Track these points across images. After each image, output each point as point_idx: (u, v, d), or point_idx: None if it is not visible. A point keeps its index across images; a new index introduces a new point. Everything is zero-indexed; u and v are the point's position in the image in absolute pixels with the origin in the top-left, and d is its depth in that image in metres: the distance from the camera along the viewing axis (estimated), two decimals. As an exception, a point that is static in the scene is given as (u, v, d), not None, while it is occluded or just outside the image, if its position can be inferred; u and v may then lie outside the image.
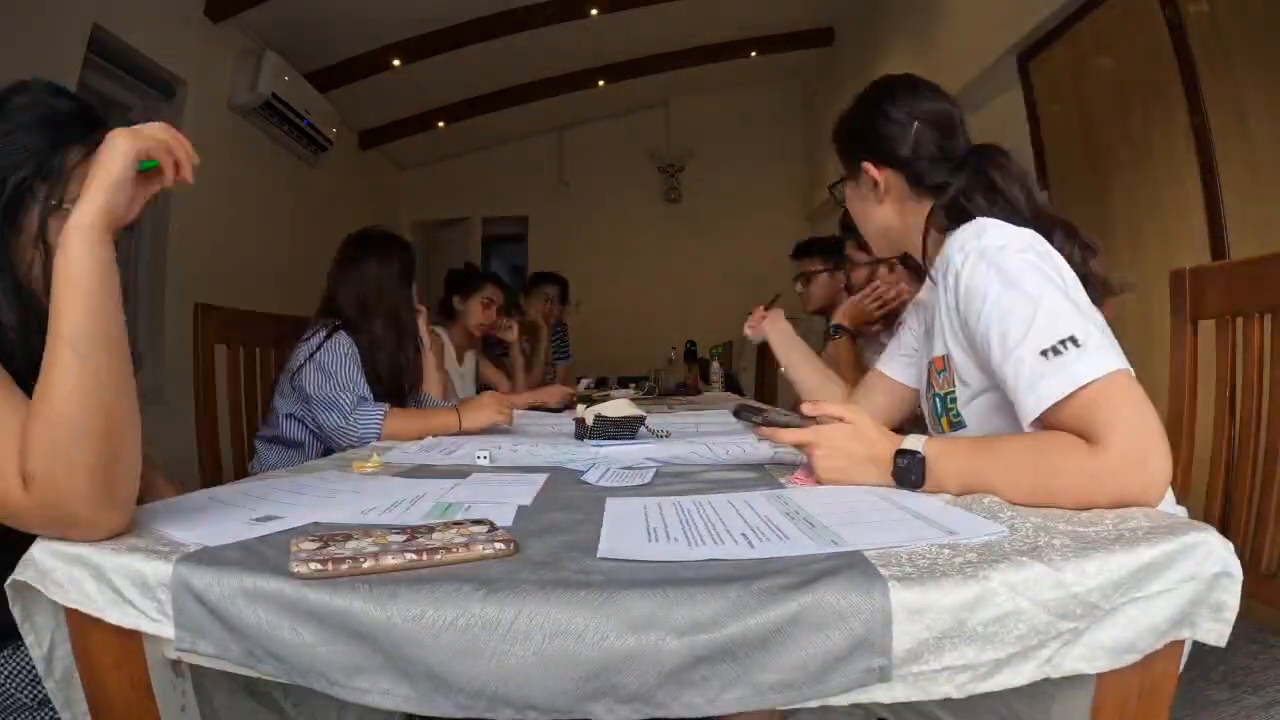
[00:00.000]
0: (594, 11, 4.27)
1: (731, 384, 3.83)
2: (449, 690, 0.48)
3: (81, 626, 0.59)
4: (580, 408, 1.40)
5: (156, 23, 3.05)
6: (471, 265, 2.92)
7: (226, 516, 0.72)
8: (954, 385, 0.91)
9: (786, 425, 0.86)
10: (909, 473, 0.76)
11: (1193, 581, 0.52)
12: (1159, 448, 0.66)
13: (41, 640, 0.62)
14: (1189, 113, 2.14)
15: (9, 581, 0.60)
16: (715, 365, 3.37)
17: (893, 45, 4.00)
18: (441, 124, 5.35)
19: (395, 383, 1.65)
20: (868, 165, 0.99)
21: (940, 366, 0.93)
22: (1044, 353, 0.73)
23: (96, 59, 2.80)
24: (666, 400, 2.73)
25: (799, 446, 0.84)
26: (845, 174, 1.05)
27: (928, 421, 1.02)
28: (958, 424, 0.92)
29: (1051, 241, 0.84)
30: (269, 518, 0.70)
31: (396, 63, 4.36)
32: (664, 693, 0.47)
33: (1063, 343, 0.72)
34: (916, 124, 0.96)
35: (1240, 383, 1.03)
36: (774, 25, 4.95)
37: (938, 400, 0.94)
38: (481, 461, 1.09)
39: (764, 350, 4.32)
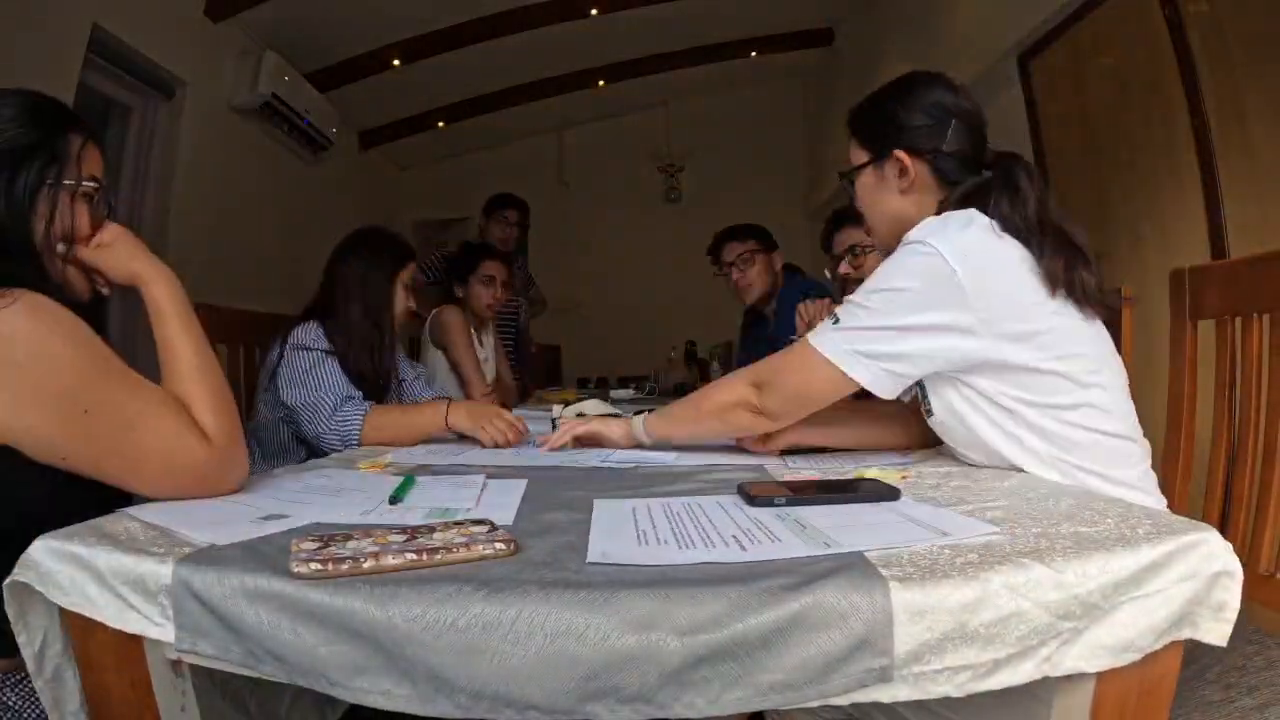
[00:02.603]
0: (594, 11, 4.27)
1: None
2: (450, 691, 0.48)
3: (82, 627, 0.59)
4: (557, 409, 1.39)
5: (156, 23, 3.05)
6: (465, 244, 2.78)
7: (233, 515, 0.72)
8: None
9: None
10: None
11: (1193, 580, 0.52)
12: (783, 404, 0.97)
13: (34, 639, 0.62)
14: (1189, 113, 2.14)
15: (7, 582, 0.60)
16: (715, 365, 3.37)
17: (893, 45, 4.00)
18: (441, 124, 5.34)
19: (374, 381, 1.59)
20: (900, 154, 0.98)
21: None
22: (835, 317, 0.90)
23: (96, 59, 2.80)
24: (665, 400, 2.71)
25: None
26: (868, 159, 1.03)
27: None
28: (930, 411, 0.97)
29: (1030, 250, 0.87)
30: (274, 516, 0.70)
31: (396, 63, 4.36)
32: (665, 693, 0.47)
33: (837, 317, 0.90)
34: (955, 120, 0.97)
35: (1239, 382, 1.03)
36: (774, 25, 4.95)
37: (919, 389, 0.98)
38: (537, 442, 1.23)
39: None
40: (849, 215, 2.31)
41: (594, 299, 5.47)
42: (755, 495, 0.76)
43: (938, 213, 0.95)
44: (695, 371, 3.93)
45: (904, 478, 0.88)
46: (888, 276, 0.89)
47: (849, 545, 0.58)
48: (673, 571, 0.53)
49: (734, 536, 0.62)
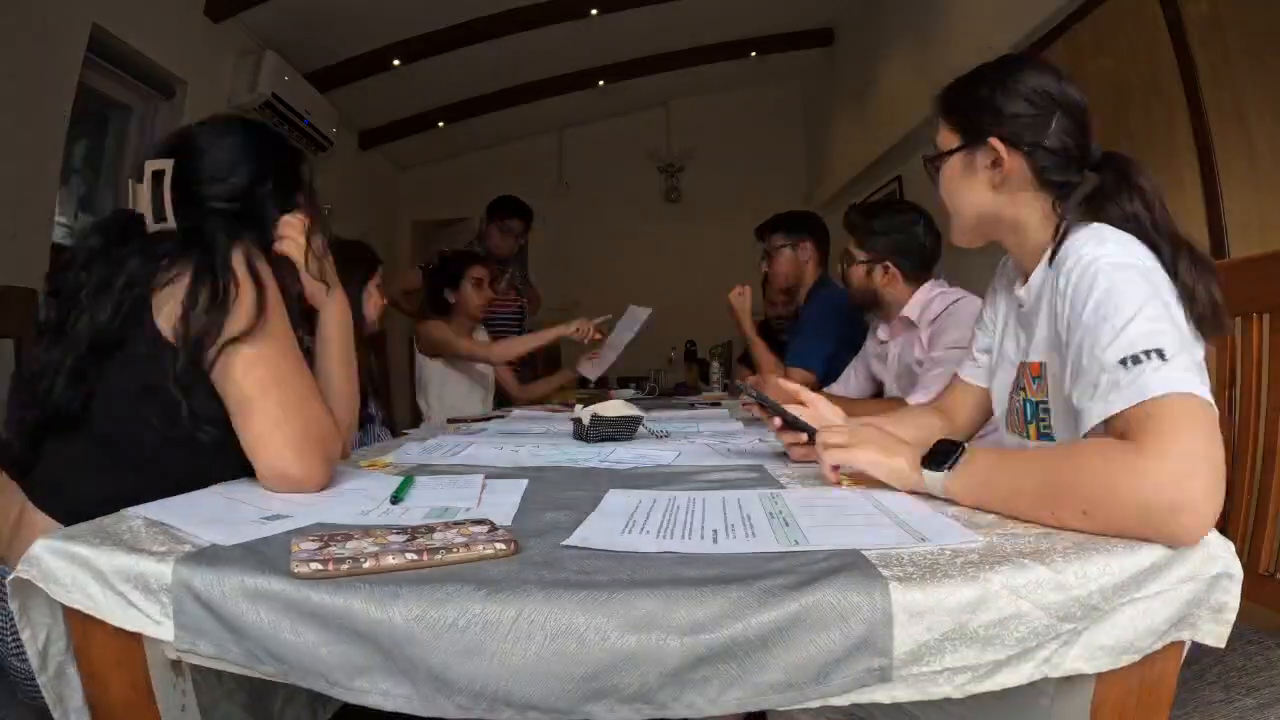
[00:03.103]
0: (594, 11, 4.27)
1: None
2: (450, 691, 0.48)
3: (82, 627, 0.59)
4: (578, 407, 1.40)
5: (156, 23, 3.05)
6: (442, 254, 2.87)
7: (236, 515, 0.72)
8: (1048, 395, 0.86)
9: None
10: (945, 456, 0.73)
11: (1192, 582, 0.52)
12: (1209, 478, 0.57)
13: (37, 635, 0.62)
14: (1189, 113, 2.14)
15: (10, 578, 0.60)
16: (715, 365, 3.37)
17: (893, 45, 4.00)
18: (441, 124, 5.34)
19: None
20: (997, 143, 0.88)
21: (1036, 373, 0.89)
22: (1123, 361, 0.67)
23: (96, 59, 2.80)
24: (665, 401, 2.70)
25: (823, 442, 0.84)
26: (959, 144, 0.93)
27: (1004, 424, 0.97)
28: (1046, 435, 0.87)
29: (1177, 265, 0.77)
30: (277, 516, 0.71)
31: (396, 63, 4.36)
32: (665, 693, 0.47)
33: (1146, 353, 0.66)
34: (1059, 112, 0.87)
35: (1239, 382, 1.03)
36: (774, 25, 4.95)
37: (1029, 406, 0.90)
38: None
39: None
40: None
41: (594, 299, 5.45)
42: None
43: (1063, 209, 0.87)
44: (695, 371, 3.93)
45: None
46: (1131, 297, 0.72)
47: (821, 543, 0.58)
48: (680, 568, 0.54)
49: (714, 530, 0.63)
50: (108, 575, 0.57)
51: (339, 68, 4.29)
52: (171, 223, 0.89)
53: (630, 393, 3.15)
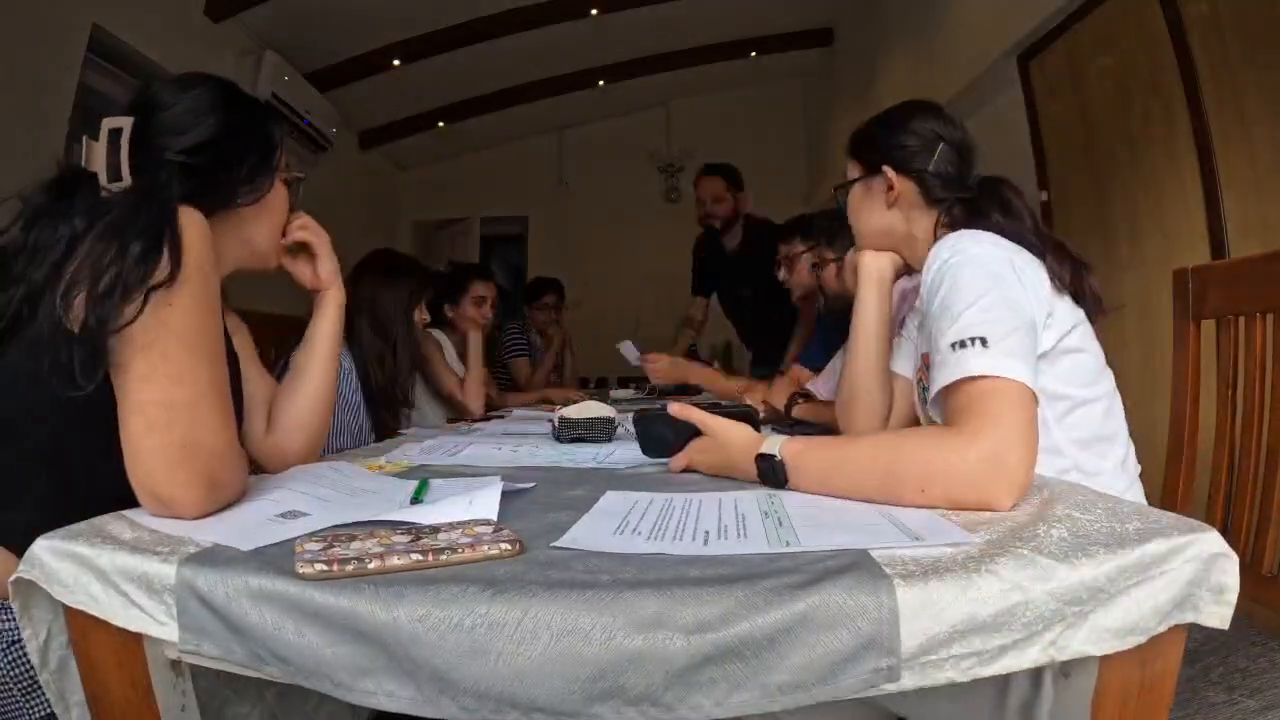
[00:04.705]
0: (594, 11, 4.27)
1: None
2: (455, 692, 0.48)
3: (83, 626, 0.59)
4: (557, 409, 1.39)
5: (156, 22, 3.05)
6: (453, 265, 2.90)
7: (249, 514, 0.71)
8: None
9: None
10: (771, 474, 0.79)
11: (1193, 563, 0.52)
12: (1021, 451, 0.68)
13: (38, 632, 0.62)
14: (1189, 113, 2.14)
15: (12, 579, 0.60)
16: (715, 365, 3.36)
17: (892, 45, 4.00)
18: (441, 124, 5.35)
19: (389, 394, 1.80)
20: (888, 170, 1.06)
21: (927, 362, 0.95)
22: (953, 345, 0.78)
23: (96, 59, 2.80)
24: (665, 401, 2.68)
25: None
26: (860, 175, 1.12)
27: (919, 414, 1.06)
28: (932, 419, 0.95)
29: (1044, 261, 0.91)
30: (293, 514, 0.70)
31: (396, 63, 4.36)
32: (671, 694, 0.47)
33: (972, 339, 0.77)
34: (942, 144, 1.04)
35: (1242, 382, 1.03)
36: (774, 25, 4.95)
37: (924, 392, 0.98)
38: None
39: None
40: (789, 227, 2.32)
41: (594, 299, 5.47)
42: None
43: (935, 230, 1.03)
44: (695, 371, 3.92)
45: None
46: (971, 290, 0.83)
47: (812, 545, 0.57)
48: (685, 568, 0.53)
49: (706, 531, 0.63)
50: (110, 575, 0.57)
51: (339, 68, 4.30)
52: (128, 180, 0.80)
53: (630, 393, 3.15)
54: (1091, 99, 2.59)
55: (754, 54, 5.17)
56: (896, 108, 1.11)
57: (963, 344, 0.77)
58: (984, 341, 0.76)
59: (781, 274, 2.22)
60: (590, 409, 1.29)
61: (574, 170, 6.07)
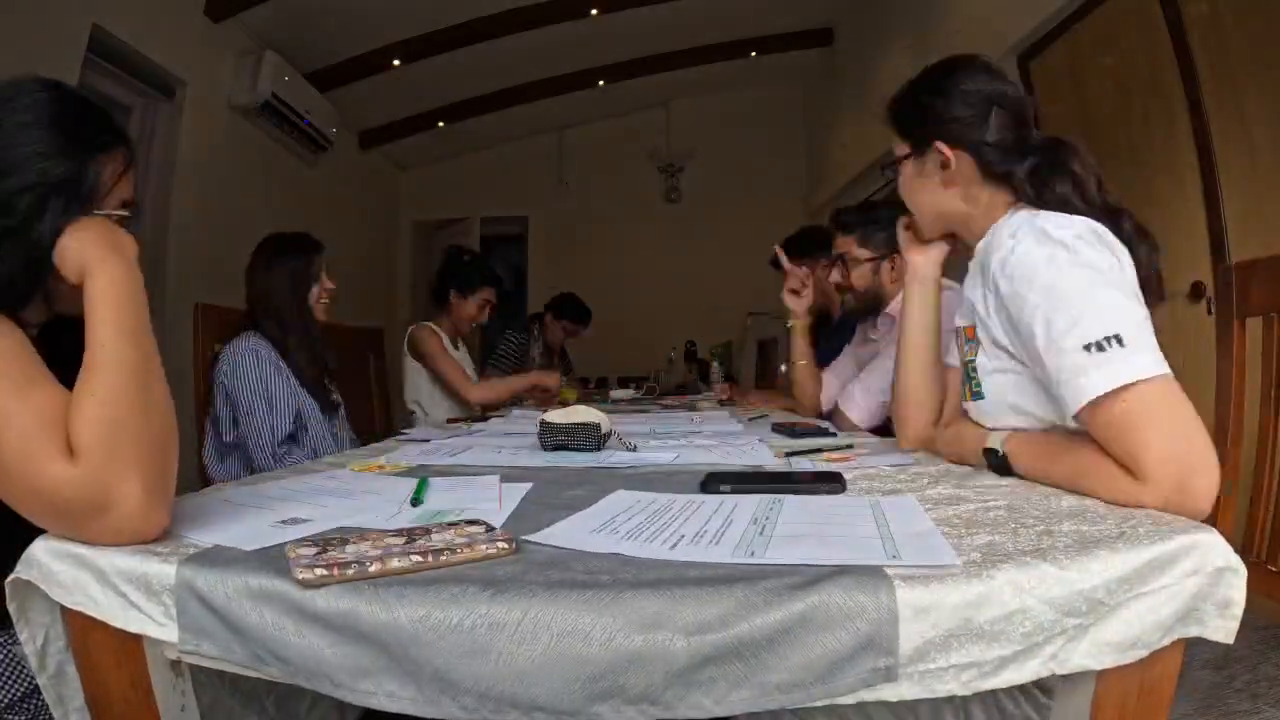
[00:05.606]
0: (594, 11, 4.27)
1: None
2: (455, 692, 0.48)
3: (82, 627, 0.59)
4: (546, 411, 1.37)
5: (156, 23, 3.05)
6: (475, 256, 2.87)
7: (251, 518, 0.71)
8: (976, 355, 0.92)
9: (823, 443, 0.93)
10: (998, 464, 0.85)
11: (1196, 576, 0.52)
12: (1202, 466, 0.65)
13: (36, 635, 0.62)
14: (1189, 113, 2.14)
15: (9, 580, 0.59)
16: (715, 366, 3.36)
17: (892, 45, 4.00)
18: (441, 124, 5.34)
19: (318, 380, 1.74)
20: (940, 145, 0.96)
21: (970, 336, 0.94)
22: (1087, 347, 0.72)
23: (96, 59, 2.80)
24: (661, 403, 2.64)
25: None
26: (908, 152, 1.02)
27: (962, 394, 1.00)
28: (978, 394, 0.92)
29: (1120, 236, 0.83)
30: (294, 520, 0.69)
31: (396, 63, 4.36)
32: (671, 693, 0.47)
33: (1108, 339, 0.71)
34: (995, 108, 0.93)
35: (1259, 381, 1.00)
36: (774, 25, 4.95)
37: (967, 368, 0.95)
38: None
39: (763, 350, 4.32)
40: (843, 220, 2.20)
41: (594, 299, 5.45)
42: (705, 483, 0.82)
43: (1001, 209, 0.93)
44: (695, 372, 3.93)
45: (844, 459, 1.00)
46: (1067, 272, 0.78)
47: (775, 558, 0.55)
48: (684, 568, 0.53)
49: (681, 535, 0.62)
50: (109, 576, 0.57)
51: (339, 68, 4.29)
52: None
53: (629, 393, 3.15)
54: (1091, 99, 2.59)
55: (754, 54, 5.17)
56: (937, 68, 1.00)
57: (1099, 346, 0.71)
58: (1119, 340, 0.71)
59: (835, 275, 1.95)
60: (578, 414, 1.18)
61: (574, 170, 6.07)
